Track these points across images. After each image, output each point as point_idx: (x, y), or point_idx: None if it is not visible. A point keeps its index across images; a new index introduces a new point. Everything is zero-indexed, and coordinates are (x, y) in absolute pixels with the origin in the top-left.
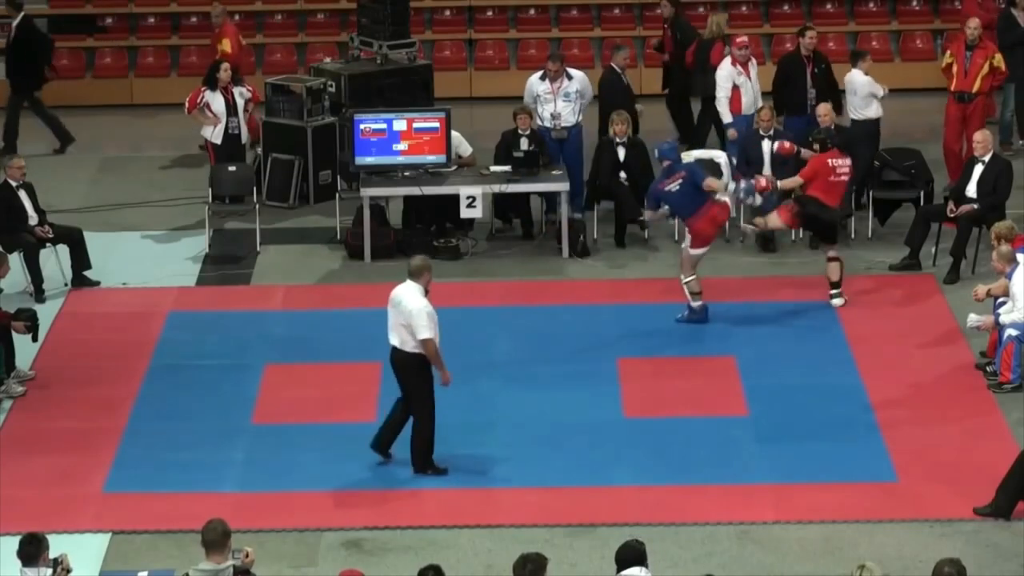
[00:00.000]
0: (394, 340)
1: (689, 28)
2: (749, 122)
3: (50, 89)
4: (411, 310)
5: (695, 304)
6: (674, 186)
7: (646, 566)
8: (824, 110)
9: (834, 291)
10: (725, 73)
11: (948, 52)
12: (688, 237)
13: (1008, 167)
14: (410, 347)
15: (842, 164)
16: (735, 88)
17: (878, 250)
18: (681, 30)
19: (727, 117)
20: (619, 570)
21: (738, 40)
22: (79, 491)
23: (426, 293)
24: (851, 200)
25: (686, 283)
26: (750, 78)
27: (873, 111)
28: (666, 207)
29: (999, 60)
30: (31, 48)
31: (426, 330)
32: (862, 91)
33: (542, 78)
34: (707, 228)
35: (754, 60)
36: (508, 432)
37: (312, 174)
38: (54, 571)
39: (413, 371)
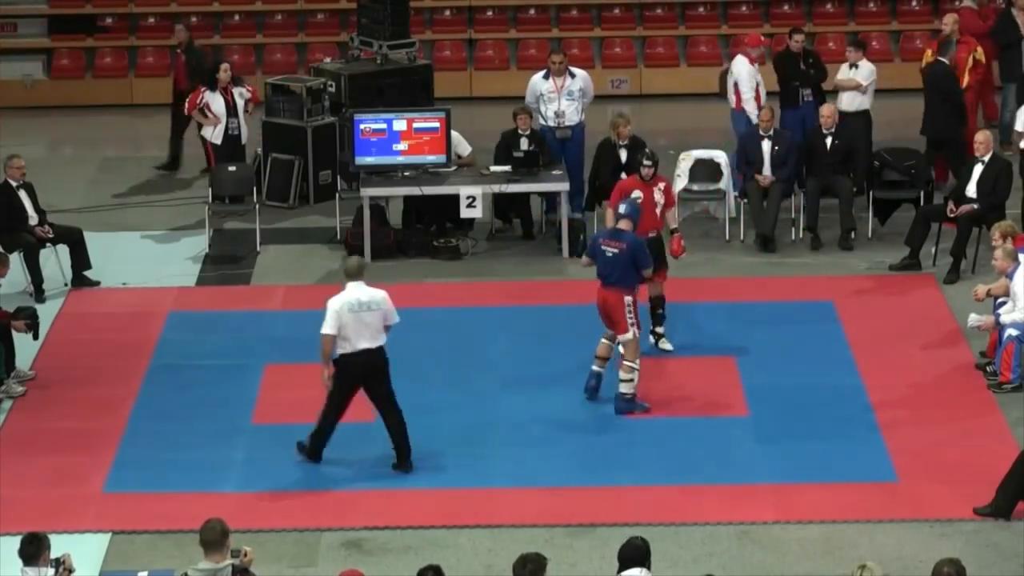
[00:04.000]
0: (374, 342)
1: (203, 55)
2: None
3: (50, 89)
4: (385, 298)
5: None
6: (610, 251)
7: (648, 566)
8: (827, 111)
9: (658, 330)
10: (748, 72)
11: (929, 51)
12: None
13: (1008, 167)
14: (383, 341)
15: (638, 192)
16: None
17: (878, 250)
18: (196, 57)
19: (756, 115)
20: (620, 568)
21: (750, 39)
22: (79, 491)
23: None
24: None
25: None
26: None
27: (843, 104)
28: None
29: (980, 53)
30: None
31: (396, 314)
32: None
33: (545, 77)
34: (610, 302)
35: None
36: (508, 432)
37: (312, 174)
38: (56, 571)
39: (388, 364)
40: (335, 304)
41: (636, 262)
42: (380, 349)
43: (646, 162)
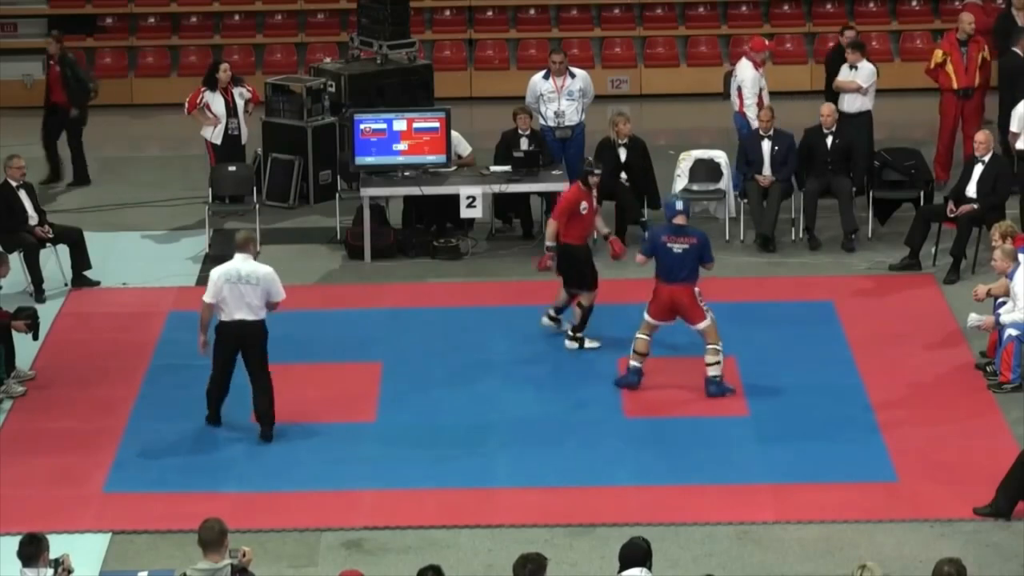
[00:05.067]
0: (251, 315)
1: (77, 65)
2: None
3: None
4: (267, 275)
5: (635, 364)
6: (679, 247)
7: (648, 566)
8: (827, 110)
9: (575, 334)
10: (751, 78)
11: (940, 51)
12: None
13: (1008, 167)
14: (262, 315)
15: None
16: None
17: (878, 250)
18: (72, 67)
19: (756, 122)
20: (621, 568)
21: (754, 43)
22: (79, 491)
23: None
24: (851, 209)
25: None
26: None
27: (844, 105)
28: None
29: (987, 52)
30: None
31: (283, 289)
32: None
33: (545, 77)
34: (681, 298)
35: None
36: (508, 432)
37: (312, 174)
38: (55, 572)
39: (264, 337)
40: (215, 274)
41: (703, 256)
42: (258, 322)
43: (596, 171)
